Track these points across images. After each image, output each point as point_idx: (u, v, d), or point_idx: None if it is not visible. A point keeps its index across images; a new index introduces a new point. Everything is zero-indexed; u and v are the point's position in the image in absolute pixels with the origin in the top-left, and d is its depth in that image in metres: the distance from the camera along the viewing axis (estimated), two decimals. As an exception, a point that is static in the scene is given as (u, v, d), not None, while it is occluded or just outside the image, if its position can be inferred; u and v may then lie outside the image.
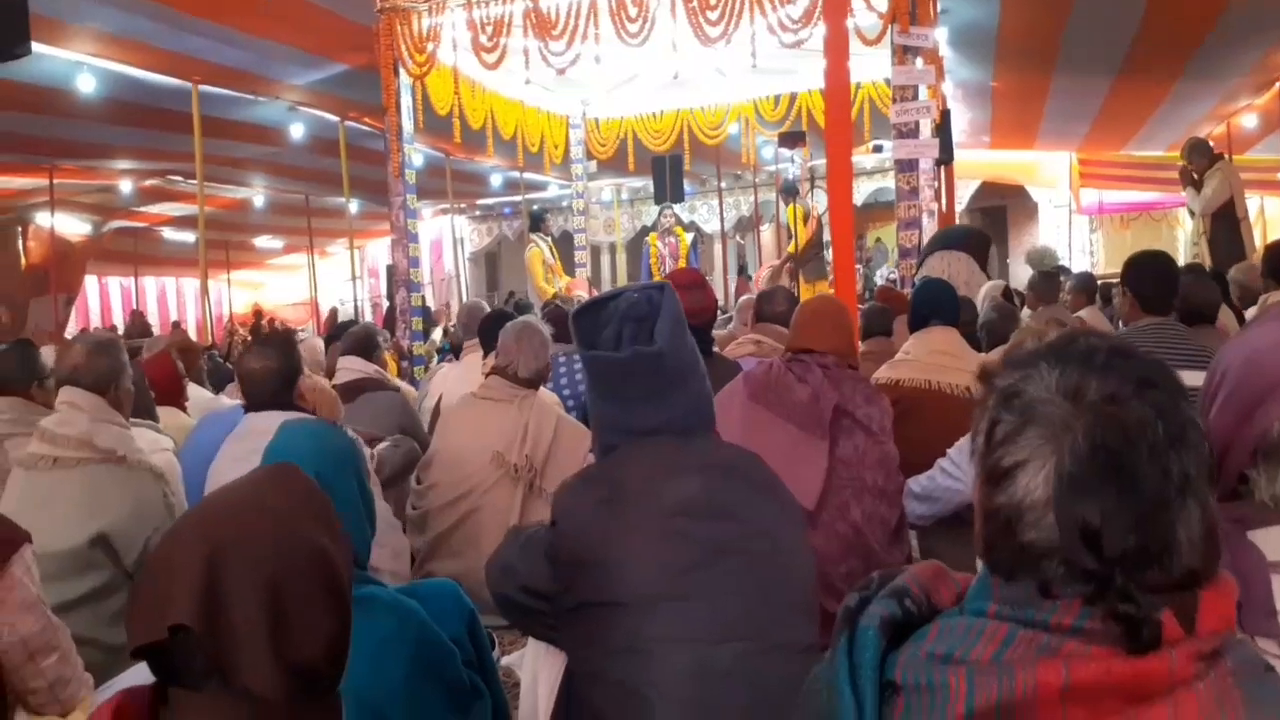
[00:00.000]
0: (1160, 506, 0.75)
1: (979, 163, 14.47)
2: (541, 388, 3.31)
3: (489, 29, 6.52)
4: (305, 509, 1.07)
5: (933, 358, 3.14)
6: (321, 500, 1.10)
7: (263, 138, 9.93)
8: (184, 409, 3.80)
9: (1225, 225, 7.29)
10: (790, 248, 9.09)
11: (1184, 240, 8.26)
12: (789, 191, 9.39)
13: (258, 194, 13.23)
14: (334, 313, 13.19)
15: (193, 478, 2.99)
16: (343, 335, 4.70)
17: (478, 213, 18.21)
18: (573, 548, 1.58)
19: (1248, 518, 1.28)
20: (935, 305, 3.38)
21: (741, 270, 14.88)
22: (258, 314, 15.82)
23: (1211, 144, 8.05)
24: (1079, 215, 15.76)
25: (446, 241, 16.20)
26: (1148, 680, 0.73)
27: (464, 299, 14.03)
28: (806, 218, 9.05)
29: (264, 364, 2.62)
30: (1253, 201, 14.35)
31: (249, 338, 10.65)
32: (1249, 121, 10.69)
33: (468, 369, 4.31)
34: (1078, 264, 13.90)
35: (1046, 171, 15.12)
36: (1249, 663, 0.77)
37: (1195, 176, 7.55)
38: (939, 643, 0.79)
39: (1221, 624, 0.77)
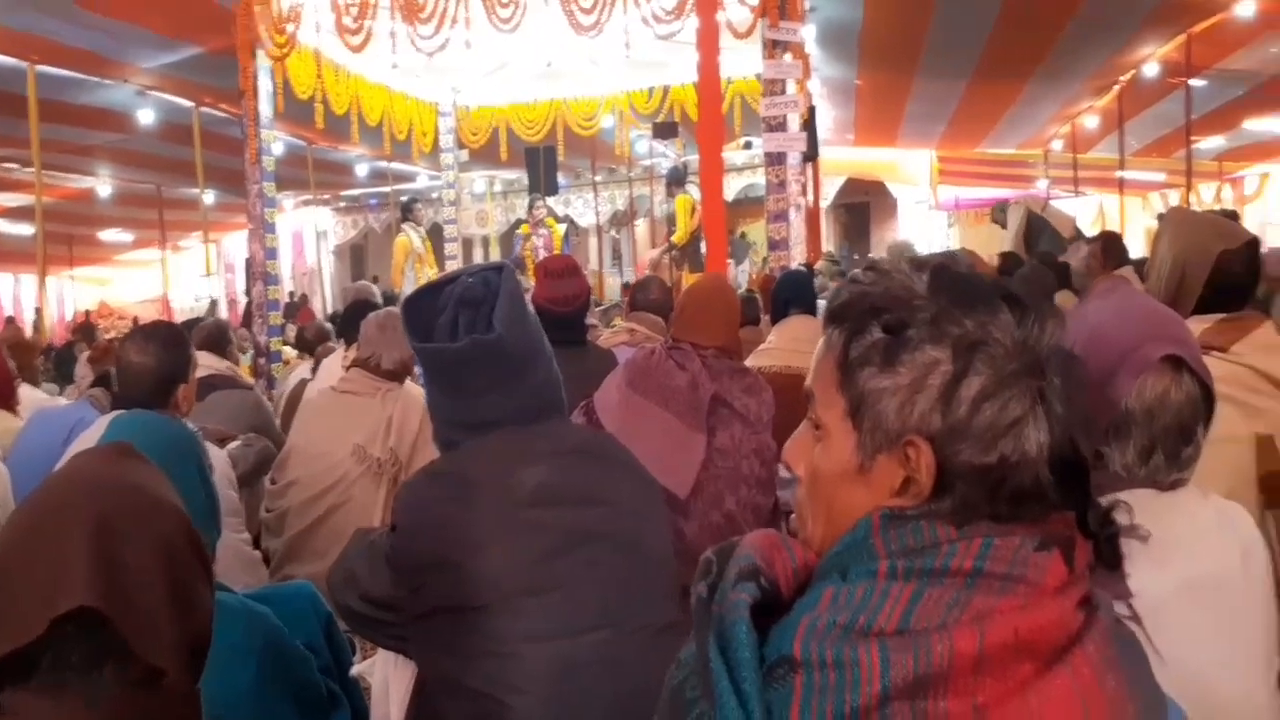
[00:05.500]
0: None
1: (844, 160, 14.92)
2: (408, 380, 3.19)
3: (353, 10, 6.29)
4: (158, 480, 0.98)
5: (793, 344, 3.26)
6: (162, 474, 1.01)
7: (109, 123, 9.37)
8: (14, 411, 3.51)
9: (1045, 237, 7.81)
10: (675, 237, 9.09)
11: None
12: (675, 181, 9.37)
13: (103, 184, 12.48)
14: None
15: (23, 483, 2.74)
16: (192, 331, 4.44)
17: (342, 204, 17.65)
18: (419, 551, 1.48)
19: (1102, 485, 1.31)
20: (794, 294, 3.57)
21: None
22: (87, 315, 14.86)
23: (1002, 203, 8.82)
24: (937, 211, 16.44)
25: (309, 234, 15.65)
26: (1049, 634, 0.72)
27: (326, 294, 13.58)
28: (694, 209, 9.07)
29: (142, 360, 2.30)
30: (1092, 199, 15.30)
31: (78, 340, 9.96)
32: (1090, 122, 11.35)
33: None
34: (936, 258, 14.51)
35: (907, 169, 15.72)
36: (1113, 617, 0.78)
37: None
38: (837, 610, 0.73)
39: (1087, 561, 0.78)
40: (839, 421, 0.81)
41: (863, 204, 18.00)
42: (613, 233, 17.65)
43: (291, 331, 8.20)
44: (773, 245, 5.86)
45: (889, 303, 0.79)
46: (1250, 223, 10.41)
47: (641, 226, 15.51)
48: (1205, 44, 7.84)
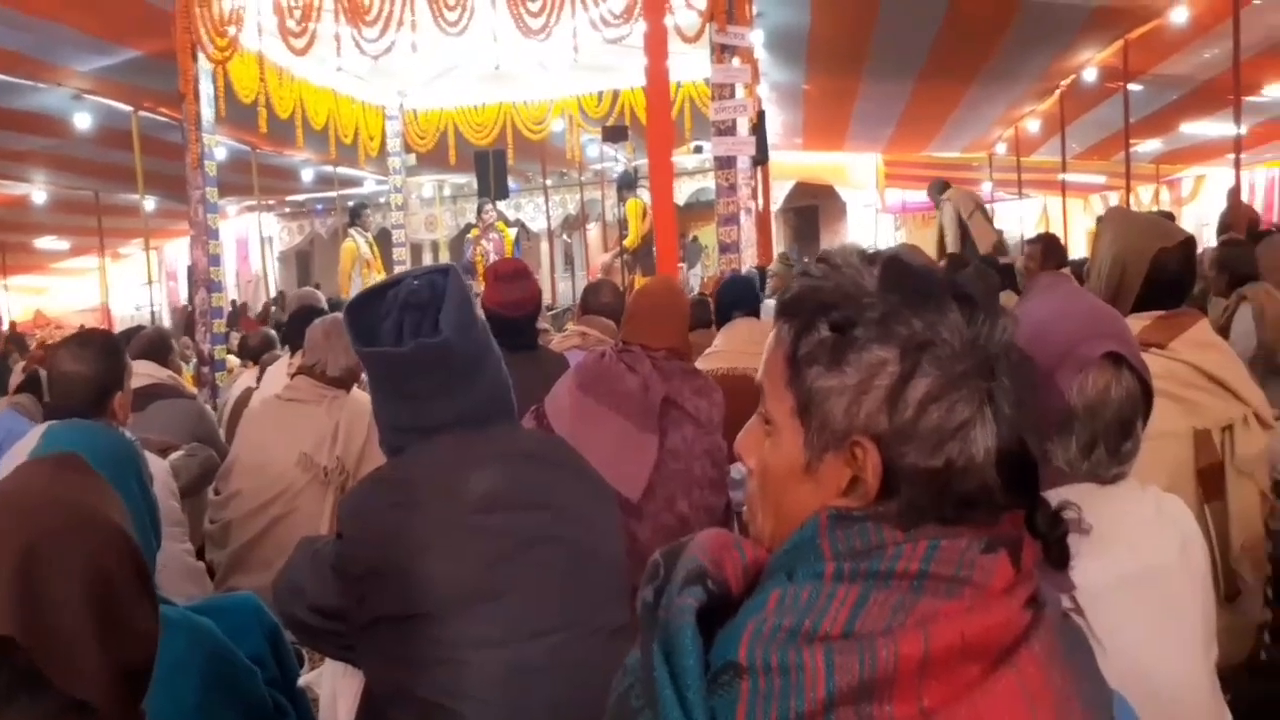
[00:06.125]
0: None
1: (793, 164, 15.06)
2: (355, 388, 3.14)
3: (297, 13, 6.21)
4: (100, 495, 0.97)
5: (739, 346, 3.32)
6: (109, 488, 1.00)
7: (44, 128, 9.12)
8: (-55, 422, 3.39)
9: (968, 244, 7.98)
10: (627, 241, 9.09)
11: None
12: (626, 185, 9.37)
13: (39, 190, 12.16)
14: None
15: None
16: (132, 340, 4.33)
17: (287, 210, 17.40)
18: (365, 559, 1.45)
19: (1045, 479, 1.32)
20: (738, 298, 3.66)
21: None
22: (13, 327, 14.39)
23: (943, 180, 8.99)
24: (884, 214, 16.67)
25: (253, 240, 15.40)
26: (995, 635, 0.71)
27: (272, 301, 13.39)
28: (645, 213, 9.08)
29: (77, 368, 2.25)
30: (1036, 201, 15.62)
31: (11, 351, 9.67)
32: (1033, 126, 11.58)
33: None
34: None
35: (855, 173, 15.92)
36: (1060, 612, 0.78)
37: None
38: (782, 613, 0.72)
39: (1035, 560, 0.78)
40: (788, 418, 0.80)
41: (812, 207, 18.17)
42: (564, 237, 17.63)
43: (235, 339, 8.06)
44: (724, 249, 5.89)
45: (838, 299, 0.78)
46: (1186, 223, 10.70)
47: (593, 230, 15.51)
48: (1142, 49, 8.03)
